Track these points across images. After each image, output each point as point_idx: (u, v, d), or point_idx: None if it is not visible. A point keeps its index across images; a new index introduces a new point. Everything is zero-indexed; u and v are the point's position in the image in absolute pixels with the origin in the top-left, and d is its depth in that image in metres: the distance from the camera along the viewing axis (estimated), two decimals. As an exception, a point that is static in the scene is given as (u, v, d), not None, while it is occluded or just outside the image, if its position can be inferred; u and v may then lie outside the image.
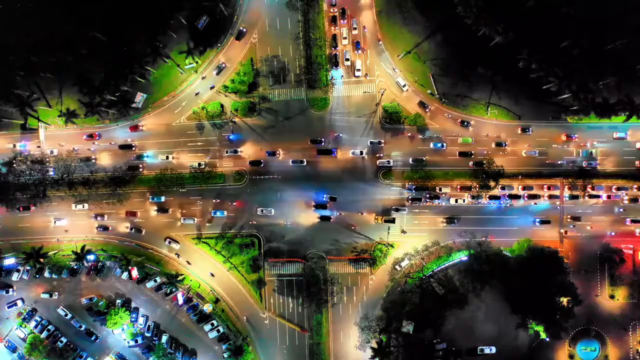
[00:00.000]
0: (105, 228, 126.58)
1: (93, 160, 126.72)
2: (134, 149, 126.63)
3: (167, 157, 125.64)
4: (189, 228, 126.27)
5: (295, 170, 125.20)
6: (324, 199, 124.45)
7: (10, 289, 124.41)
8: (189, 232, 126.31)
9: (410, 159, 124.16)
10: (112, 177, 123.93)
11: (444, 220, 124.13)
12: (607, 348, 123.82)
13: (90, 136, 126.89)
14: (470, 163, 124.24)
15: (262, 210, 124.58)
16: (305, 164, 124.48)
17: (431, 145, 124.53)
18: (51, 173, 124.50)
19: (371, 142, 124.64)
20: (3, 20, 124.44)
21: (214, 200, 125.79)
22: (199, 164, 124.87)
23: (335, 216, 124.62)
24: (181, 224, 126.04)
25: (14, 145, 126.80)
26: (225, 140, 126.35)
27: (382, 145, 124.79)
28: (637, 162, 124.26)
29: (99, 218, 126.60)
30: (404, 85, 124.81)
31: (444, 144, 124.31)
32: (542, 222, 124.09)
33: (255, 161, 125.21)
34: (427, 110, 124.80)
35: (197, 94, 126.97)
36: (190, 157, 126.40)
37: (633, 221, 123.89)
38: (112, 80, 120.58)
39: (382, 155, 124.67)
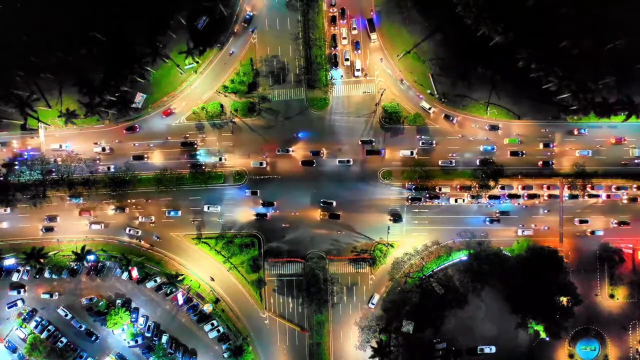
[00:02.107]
0: (50, 229, 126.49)
1: (145, 159, 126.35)
2: (195, 146, 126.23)
3: (220, 159, 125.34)
4: (174, 226, 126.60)
5: (296, 171, 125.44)
6: (246, 194, 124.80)
7: (22, 289, 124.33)
8: (189, 232, 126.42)
9: (477, 161, 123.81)
10: (112, 178, 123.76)
11: (391, 218, 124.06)
12: (606, 347, 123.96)
13: (131, 129, 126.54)
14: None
15: (208, 207, 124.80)
16: (351, 163, 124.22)
17: (481, 148, 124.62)
18: (112, 169, 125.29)
19: (422, 143, 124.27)
20: (3, 20, 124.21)
21: (129, 201, 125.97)
22: (261, 163, 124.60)
23: (271, 214, 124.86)
24: (140, 222, 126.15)
25: (60, 146, 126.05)
26: (294, 137, 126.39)
27: (434, 145, 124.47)
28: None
29: (51, 221, 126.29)
30: (430, 108, 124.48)
31: (494, 147, 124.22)
32: (492, 221, 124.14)
33: (307, 161, 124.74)
34: (453, 122, 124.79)
35: (231, 54, 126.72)
36: (245, 157, 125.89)
37: (581, 221, 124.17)
38: (112, 81, 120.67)
39: (454, 155, 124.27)
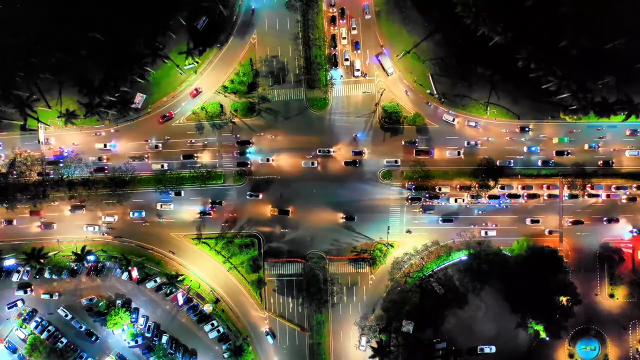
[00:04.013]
0: None
1: (195, 158, 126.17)
2: (251, 145, 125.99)
3: (268, 160, 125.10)
4: (170, 226, 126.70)
5: (296, 171, 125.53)
6: (170, 196, 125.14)
7: (28, 289, 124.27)
8: (189, 232, 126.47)
9: (539, 162, 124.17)
10: (111, 178, 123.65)
11: (343, 217, 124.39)
12: (606, 347, 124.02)
13: (165, 117, 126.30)
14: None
15: (161, 205, 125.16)
16: (399, 163, 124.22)
17: (525, 149, 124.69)
18: (166, 167, 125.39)
19: (468, 143, 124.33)
20: (3, 21, 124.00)
21: (51, 204, 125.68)
22: (312, 163, 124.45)
23: (209, 212, 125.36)
24: (102, 222, 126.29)
25: (105, 145, 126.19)
26: (353, 139, 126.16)
27: (479, 146, 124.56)
28: None
29: (4, 224, 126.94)
30: (453, 119, 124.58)
31: (538, 147, 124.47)
32: (445, 220, 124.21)
33: (351, 162, 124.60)
34: (477, 127, 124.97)
35: (253, 10, 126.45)
36: (291, 158, 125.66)
37: (533, 221, 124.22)
38: (112, 81, 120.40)
39: (514, 161, 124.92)
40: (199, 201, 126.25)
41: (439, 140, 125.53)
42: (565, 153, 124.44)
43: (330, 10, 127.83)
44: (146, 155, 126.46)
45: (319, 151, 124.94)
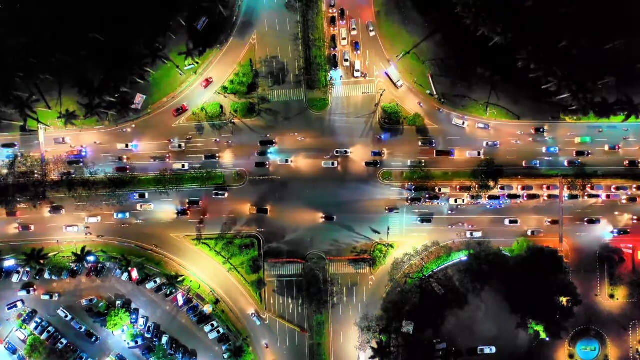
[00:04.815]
0: None
1: (217, 158, 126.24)
2: (274, 144, 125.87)
3: (287, 161, 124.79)
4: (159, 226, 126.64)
5: (296, 172, 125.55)
6: (135, 198, 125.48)
7: (31, 289, 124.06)
8: (189, 232, 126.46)
9: (566, 162, 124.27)
10: (111, 179, 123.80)
11: (323, 216, 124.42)
12: (607, 347, 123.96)
13: (178, 110, 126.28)
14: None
15: (141, 206, 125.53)
16: (424, 164, 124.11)
17: (544, 149, 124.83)
18: (187, 167, 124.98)
19: (487, 144, 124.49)
20: (3, 21, 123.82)
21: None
22: (332, 164, 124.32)
23: (186, 210, 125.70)
24: (86, 222, 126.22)
25: (127, 145, 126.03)
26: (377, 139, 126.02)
27: (498, 146, 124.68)
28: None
29: None
30: (463, 123, 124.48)
31: (557, 148, 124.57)
32: (423, 220, 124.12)
33: (372, 162, 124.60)
34: (488, 129, 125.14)
35: None
36: (309, 159, 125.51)
37: (511, 222, 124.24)
38: (112, 82, 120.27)
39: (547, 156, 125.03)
40: (175, 201, 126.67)
41: (443, 141, 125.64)
42: (586, 153, 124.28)
43: (330, 10, 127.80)
44: (167, 155, 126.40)
45: (336, 152, 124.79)
